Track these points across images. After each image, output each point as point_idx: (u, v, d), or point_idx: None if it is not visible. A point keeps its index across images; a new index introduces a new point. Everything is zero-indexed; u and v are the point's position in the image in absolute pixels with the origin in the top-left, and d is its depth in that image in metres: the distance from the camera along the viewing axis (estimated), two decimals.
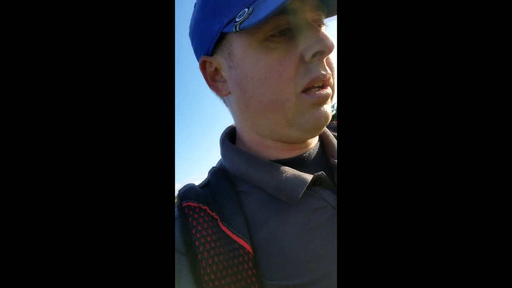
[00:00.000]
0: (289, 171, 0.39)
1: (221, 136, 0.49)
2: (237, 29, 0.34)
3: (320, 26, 0.39)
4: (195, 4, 0.42)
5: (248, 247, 0.36)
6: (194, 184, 0.44)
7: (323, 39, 0.35)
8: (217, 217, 0.38)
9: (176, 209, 0.40)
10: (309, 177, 0.38)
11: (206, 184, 0.44)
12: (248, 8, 0.34)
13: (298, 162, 0.42)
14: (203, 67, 0.43)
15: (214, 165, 0.49)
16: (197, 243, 0.35)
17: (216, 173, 0.44)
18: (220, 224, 0.37)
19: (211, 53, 0.41)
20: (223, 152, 0.46)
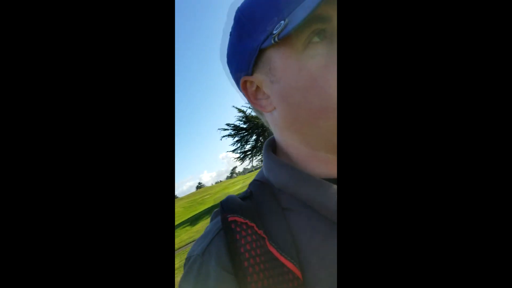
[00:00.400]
0: None
1: (264, 148, 0.47)
2: (276, 39, 0.35)
3: None
4: (231, 31, 0.43)
5: (297, 272, 0.34)
6: (235, 196, 0.43)
7: None
8: (264, 235, 0.36)
9: (218, 219, 0.39)
10: None
11: (248, 196, 0.42)
12: (284, 21, 0.35)
13: None
14: (244, 88, 0.43)
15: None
16: (246, 263, 0.34)
17: (260, 186, 0.43)
18: (268, 244, 0.36)
19: (251, 72, 0.41)
20: (268, 165, 0.44)
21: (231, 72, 0.45)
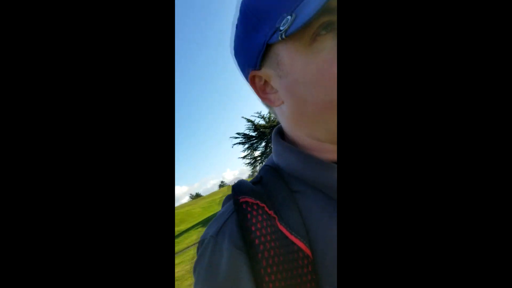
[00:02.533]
0: None
1: (273, 134, 0.49)
2: (283, 36, 0.35)
3: None
4: (237, 23, 0.43)
5: (307, 250, 0.35)
6: (246, 180, 0.44)
7: None
8: (274, 215, 0.37)
9: (230, 202, 0.41)
10: None
11: (258, 181, 0.44)
12: (291, 15, 0.35)
13: None
14: (252, 82, 0.44)
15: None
16: (257, 241, 0.35)
17: (269, 171, 0.44)
18: (278, 223, 0.37)
19: (259, 67, 0.42)
20: (277, 150, 0.46)
21: (239, 65, 0.46)
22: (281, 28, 0.36)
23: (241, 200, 0.39)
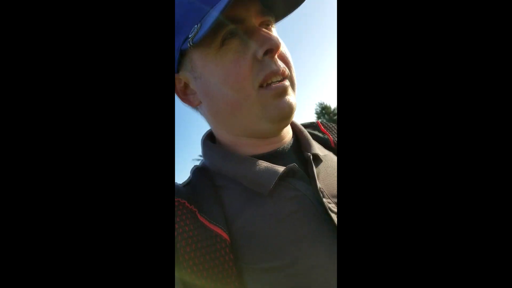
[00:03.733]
0: (263, 164, 0.43)
1: (202, 138, 0.52)
2: (191, 43, 0.40)
3: (268, 28, 0.44)
4: None
5: (224, 235, 0.38)
6: (177, 183, 0.47)
7: (269, 39, 0.40)
8: (195, 209, 0.40)
9: None
10: (281, 168, 0.42)
11: (188, 183, 0.47)
12: (197, 25, 0.40)
13: (273, 156, 0.45)
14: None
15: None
16: (175, 233, 0.38)
17: (196, 172, 0.48)
18: (198, 215, 0.40)
19: (177, 71, 0.46)
20: (203, 151, 0.50)
21: None
22: (190, 35, 0.41)
23: None
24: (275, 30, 0.46)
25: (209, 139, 0.51)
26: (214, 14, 0.38)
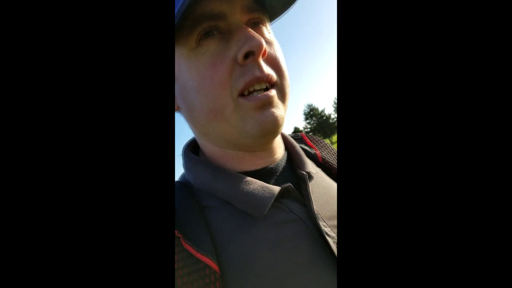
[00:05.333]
0: (256, 183, 0.38)
1: (183, 148, 0.47)
2: None
3: (257, 27, 0.38)
4: None
5: (214, 266, 0.34)
6: None
7: (250, 38, 0.34)
8: (179, 235, 0.35)
9: None
10: (276, 189, 0.38)
11: None
12: None
13: (265, 174, 0.41)
14: None
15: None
16: None
17: (178, 188, 0.42)
18: (183, 242, 0.35)
19: None
20: (186, 165, 0.44)
21: None
22: None
23: None
24: (268, 30, 0.40)
25: (191, 150, 0.46)
26: (180, 6, 0.32)
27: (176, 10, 0.32)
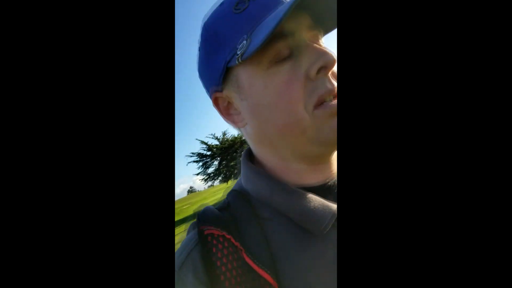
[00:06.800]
0: (316, 199, 0.39)
1: (242, 157, 0.48)
2: (240, 60, 0.36)
3: (318, 43, 0.40)
4: (199, 46, 0.44)
5: (274, 283, 0.34)
6: (212, 207, 0.43)
7: (323, 54, 0.36)
8: (241, 248, 0.36)
9: (195, 232, 0.39)
10: (334, 206, 0.38)
11: (225, 207, 0.42)
12: (246, 40, 0.36)
13: (324, 190, 0.41)
14: (216, 103, 0.44)
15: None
16: (222, 277, 0.34)
17: (237, 197, 0.43)
18: (245, 255, 0.36)
19: (221, 89, 0.42)
20: (246, 174, 0.45)
21: (204, 86, 0.46)
22: (238, 52, 0.37)
23: (206, 232, 0.38)
24: (325, 45, 0.42)
25: (249, 159, 0.47)
26: (266, 27, 0.34)
27: (263, 35, 0.34)
